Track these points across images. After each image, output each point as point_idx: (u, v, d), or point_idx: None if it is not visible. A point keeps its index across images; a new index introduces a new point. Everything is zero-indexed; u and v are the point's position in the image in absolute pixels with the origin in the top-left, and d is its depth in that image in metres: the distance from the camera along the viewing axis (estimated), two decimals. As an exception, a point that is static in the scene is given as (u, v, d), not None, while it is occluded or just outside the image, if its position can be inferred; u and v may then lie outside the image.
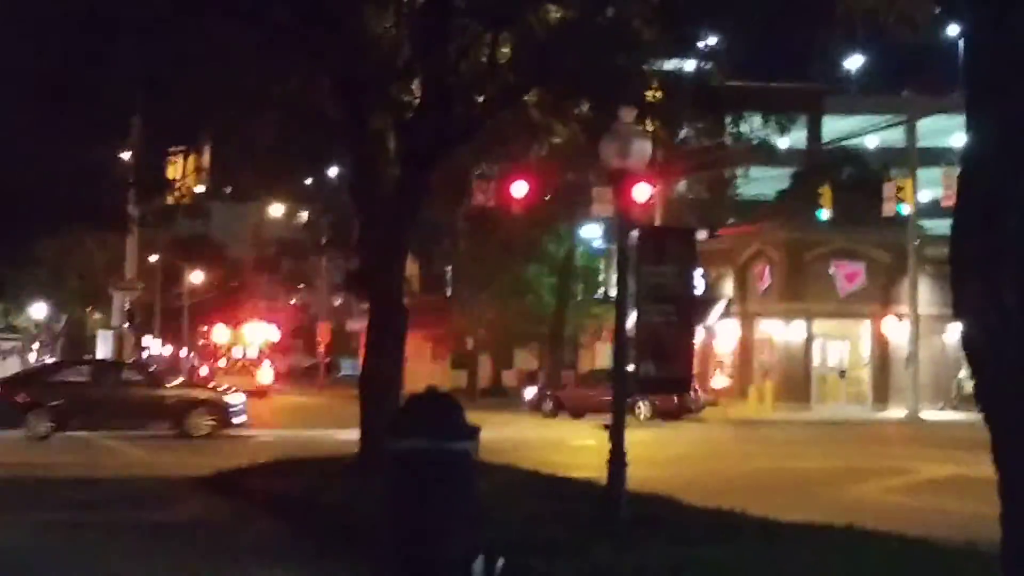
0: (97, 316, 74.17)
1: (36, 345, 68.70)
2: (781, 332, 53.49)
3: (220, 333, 65.92)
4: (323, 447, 22.52)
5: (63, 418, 29.49)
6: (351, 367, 64.13)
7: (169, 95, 18.54)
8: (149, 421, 30.17)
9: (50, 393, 29.79)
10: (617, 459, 12.98)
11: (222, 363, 62.80)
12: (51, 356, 71.43)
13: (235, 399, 31.38)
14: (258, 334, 65.12)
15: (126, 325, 47.05)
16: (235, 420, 30.76)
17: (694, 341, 15.54)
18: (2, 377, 34.99)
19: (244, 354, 63.09)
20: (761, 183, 57.97)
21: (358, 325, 63.59)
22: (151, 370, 36.11)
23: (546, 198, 39.86)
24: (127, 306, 46.78)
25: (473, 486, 10.93)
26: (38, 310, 59.70)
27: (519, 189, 31.88)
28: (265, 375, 61.33)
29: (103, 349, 49.95)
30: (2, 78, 17.82)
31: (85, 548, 12.55)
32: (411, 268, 41.04)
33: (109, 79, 17.71)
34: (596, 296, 62.63)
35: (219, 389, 33.67)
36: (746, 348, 55.35)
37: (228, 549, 12.66)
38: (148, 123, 21.19)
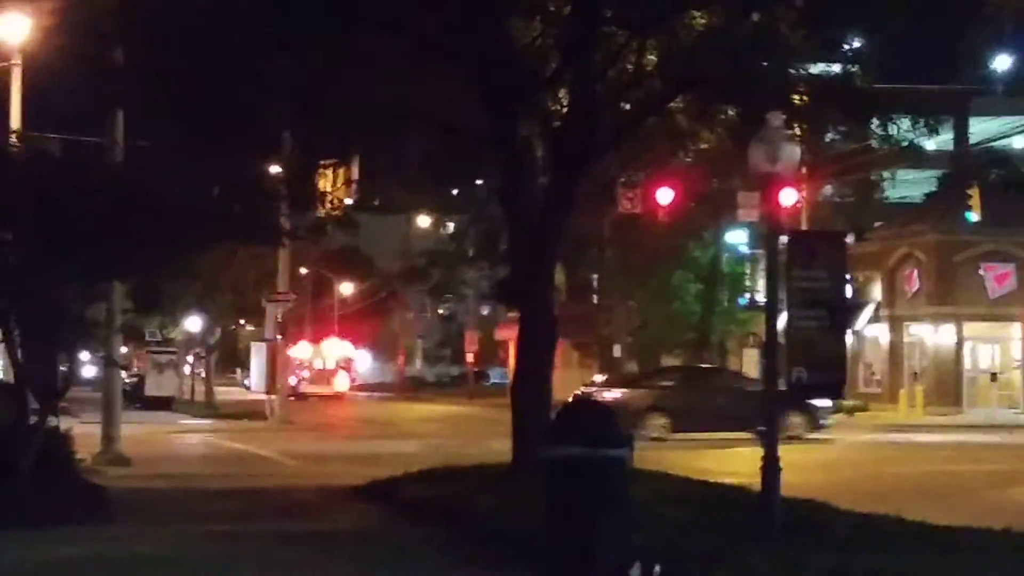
0: (250, 329, 75.70)
1: (191, 358, 70.27)
2: (931, 336, 52.57)
3: (302, 349, 71.66)
4: (475, 456, 22.68)
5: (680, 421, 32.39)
6: (499, 376, 64.91)
7: (319, 110, 18.85)
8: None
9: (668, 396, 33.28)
10: (771, 465, 12.87)
11: (305, 373, 71.00)
12: (204, 369, 73.02)
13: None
14: (335, 349, 73.56)
15: (279, 337, 47.94)
16: None
17: (846, 346, 15.35)
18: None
19: (324, 366, 72.22)
20: (908, 186, 56.98)
21: (506, 334, 64.04)
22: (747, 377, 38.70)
23: (692, 204, 39.68)
24: (280, 318, 47.67)
25: (628, 493, 10.97)
26: (193, 323, 61.04)
27: (665, 196, 31.83)
28: (341, 383, 71.50)
29: (257, 361, 50.98)
30: (155, 95, 18.30)
31: (246, 557, 12.82)
32: (558, 276, 41.12)
33: (261, 95, 18.08)
34: (742, 302, 62.10)
35: None
36: (896, 352, 54.48)
37: (382, 558, 12.82)
38: (299, 137, 21.56)
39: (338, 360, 72.61)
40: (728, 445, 29.32)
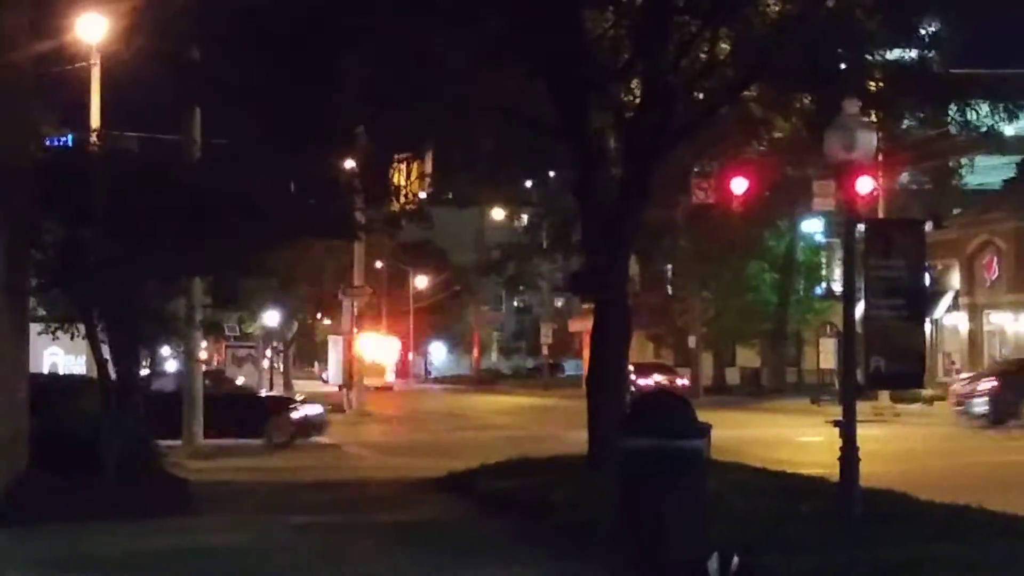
0: (327, 322, 76.30)
1: (269, 352, 70.98)
2: (1011, 324, 51.86)
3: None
4: (551, 447, 22.73)
5: None
6: (574, 367, 64.93)
7: (392, 105, 18.97)
8: None
9: None
10: (849, 455, 12.78)
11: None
12: (282, 363, 73.69)
13: None
14: (382, 344, 76.40)
15: (355, 330, 48.26)
16: None
17: (925, 335, 15.22)
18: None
19: (374, 360, 74.19)
20: (986, 172, 56.20)
21: (580, 325, 64.08)
22: None
23: (766, 193, 39.41)
24: (356, 311, 47.99)
25: (705, 484, 10.95)
26: (271, 318, 61.61)
27: (739, 185, 31.60)
28: (389, 376, 78.99)
29: (334, 354, 51.35)
30: (230, 93, 18.49)
31: (332, 548, 12.97)
32: (632, 267, 41.03)
33: (335, 91, 18.22)
34: (818, 291, 61.64)
35: None
36: (975, 341, 53.81)
37: (462, 549, 12.91)
38: (372, 132, 21.68)
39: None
40: (804, 435, 29.12)
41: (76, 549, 12.41)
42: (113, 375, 16.34)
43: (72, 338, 17.12)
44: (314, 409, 30.63)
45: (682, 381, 53.22)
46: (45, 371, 26.78)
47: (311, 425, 29.95)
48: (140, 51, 18.66)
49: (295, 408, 30.39)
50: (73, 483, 15.12)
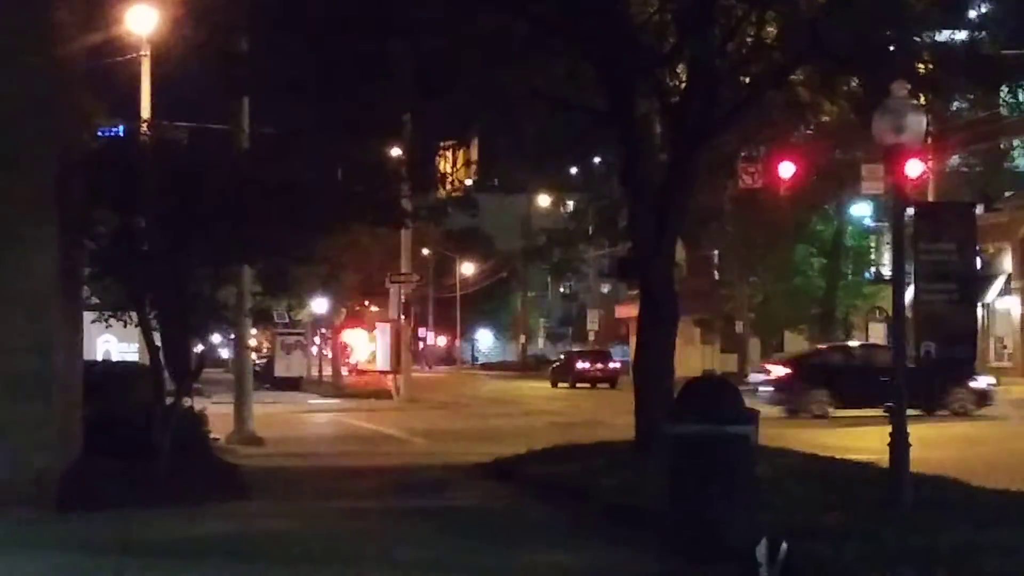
0: (374, 309, 76.54)
1: (317, 339, 71.27)
2: (1066, 308, 51.36)
3: (353, 336, 75.07)
4: (598, 433, 22.75)
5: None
6: (620, 353, 64.99)
7: (439, 91, 19.01)
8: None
9: None
10: (900, 441, 12.73)
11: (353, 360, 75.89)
12: (331, 350, 74.02)
13: None
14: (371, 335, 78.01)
15: (402, 317, 48.43)
16: None
17: (977, 319, 15.11)
18: None
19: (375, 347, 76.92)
20: (1039, 153, 55.63)
21: (627, 311, 64.03)
22: None
23: (814, 178, 39.21)
24: (403, 299, 48.15)
25: (753, 470, 10.95)
26: (319, 305, 61.92)
27: (786, 169, 31.51)
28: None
29: (382, 341, 51.48)
30: (278, 79, 18.60)
31: (378, 533, 13.05)
32: (679, 252, 40.94)
33: (383, 78, 18.29)
34: (867, 276, 61.24)
35: None
36: (1029, 326, 53.35)
37: (509, 534, 12.95)
38: (419, 119, 21.75)
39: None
40: (857, 423, 29.00)
41: (123, 533, 12.55)
42: (165, 362, 16.51)
43: (125, 326, 17.33)
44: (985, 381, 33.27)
45: (614, 365, 59.40)
46: (99, 358, 27.05)
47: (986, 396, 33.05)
48: (189, 42, 18.79)
49: (974, 379, 32.34)
50: (125, 469, 15.30)
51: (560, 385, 59.14)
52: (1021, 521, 11.30)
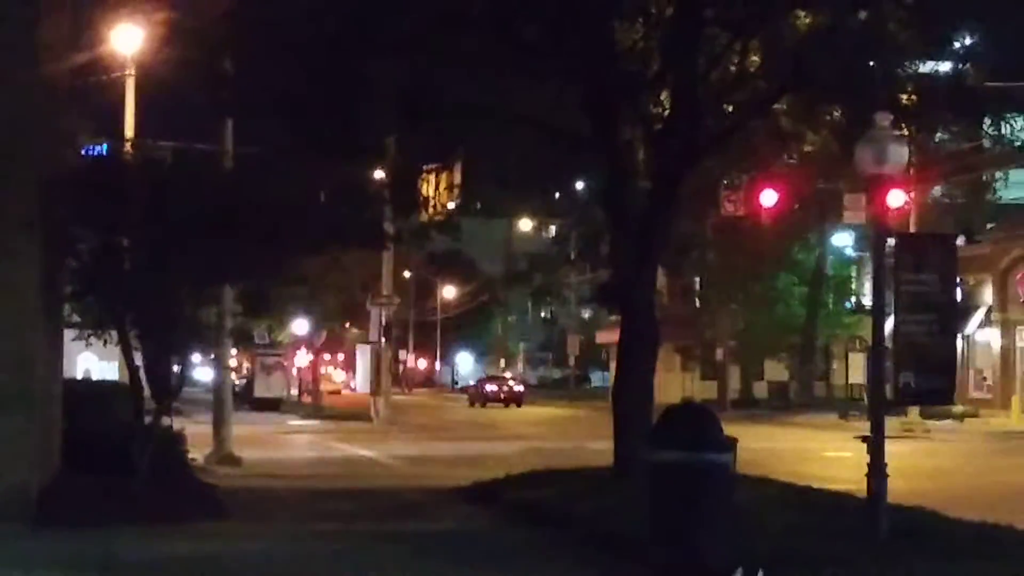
0: (355, 331, 76.44)
1: (297, 360, 71.12)
2: (1045, 341, 51.49)
3: (303, 359, 76.63)
4: (577, 458, 22.73)
5: None
6: (601, 379, 65.13)
7: (422, 114, 19.05)
8: None
9: None
10: (877, 471, 12.75)
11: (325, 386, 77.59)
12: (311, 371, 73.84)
13: None
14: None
15: (383, 340, 48.37)
16: None
17: (956, 351, 15.13)
18: None
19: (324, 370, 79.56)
20: (1020, 186, 55.77)
21: (607, 337, 64.03)
22: None
23: (796, 206, 39.31)
24: (384, 321, 48.10)
25: (731, 498, 10.97)
26: (300, 326, 61.84)
27: (768, 198, 31.55)
28: (338, 379, 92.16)
29: (361, 363, 51.45)
30: (262, 100, 18.62)
31: (354, 556, 13.01)
32: (660, 279, 41.01)
33: (366, 100, 18.32)
34: (848, 305, 61.39)
35: None
36: (1007, 357, 53.39)
37: (488, 558, 12.92)
38: (402, 142, 21.78)
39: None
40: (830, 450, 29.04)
41: (100, 551, 12.50)
42: (145, 381, 16.47)
43: (105, 344, 17.28)
44: None
45: (518, 388, 69.93)
46: (79, 377, 26.95)
47: None
48: (174, 62, 18.81)
49: None
50: (104, 487, 15.24)
51: (475, 404, 66.59)
52: (995, 554, 11.35)
